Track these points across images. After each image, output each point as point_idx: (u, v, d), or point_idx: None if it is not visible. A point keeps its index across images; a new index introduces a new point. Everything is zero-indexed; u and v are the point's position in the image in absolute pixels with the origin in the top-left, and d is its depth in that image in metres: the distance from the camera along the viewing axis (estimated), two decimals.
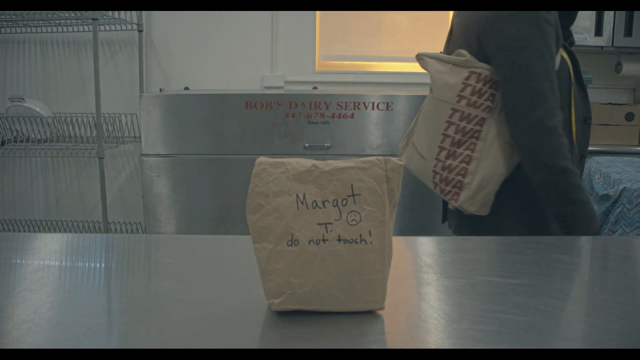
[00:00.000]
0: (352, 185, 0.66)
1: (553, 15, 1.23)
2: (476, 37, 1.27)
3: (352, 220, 0.66)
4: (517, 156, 1.27)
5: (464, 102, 1.26)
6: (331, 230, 0.65)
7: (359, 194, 0.66)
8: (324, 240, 0.65)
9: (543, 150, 1.20)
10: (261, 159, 0.68)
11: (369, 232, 0.66)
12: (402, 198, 2.31)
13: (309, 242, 0.64)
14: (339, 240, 0.65)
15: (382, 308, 0.66)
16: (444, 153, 1.30)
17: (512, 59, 1.21)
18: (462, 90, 1.26)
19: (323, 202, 0.65)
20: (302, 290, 0.65)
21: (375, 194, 0.66)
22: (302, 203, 0.65)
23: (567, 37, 1.37)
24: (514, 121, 1.23)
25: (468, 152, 1.27)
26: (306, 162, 0.67)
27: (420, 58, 1.36)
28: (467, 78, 1.25)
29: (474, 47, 1.27)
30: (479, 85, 1.24)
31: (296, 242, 0.65)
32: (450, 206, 1.35)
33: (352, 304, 0.66)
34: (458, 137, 1.27)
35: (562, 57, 1.27)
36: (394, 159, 0.67)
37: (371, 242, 0.65)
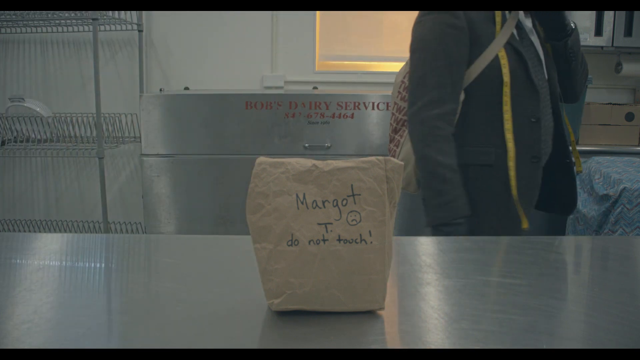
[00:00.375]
0: (352, 185, 0.66)
1: (463, 19, 1.34)
2: None
3: (352, 220, 0.65)
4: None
5: (399, 96, 1.51)
6: (331, 230, 0.65)
7: (359, 194, 0.66)
8: (324, 240, 0.65)
9: (414, 138, 1.37)
10: (261, 159, 0.68)
11: (369, 232, 0.65)
12: (402, 198, 2.30)
13: (309, 242, 0.64)
14: (339, 240, 0.65)
15: (382, 308, 0.66)
16: (389, 139, 1.57)
17: (411, 59, 1.40)
18: (400, 86, 1.51)
19: (323, 202, 0.65)
20: (302, 290, 0.65)
21: (375, 194, 0.66)
22: (302, 203, 0.65)
23: (553, 36, 1.42)
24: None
25: (399, 137, 1.51)
26: (306, 162, 0.67)
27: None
28: (405, 76, 1.48)
29: None
30: (407, 82, 1.43)
31: (296, 242, 0.65)
32: None
33: (352, 304, 0.66)
34: (394, 125, 1.53)
35: (497, 56, 1.34)
36: (394, 159, 0.67)
37: (371, 242, 0.65)
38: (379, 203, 0.66)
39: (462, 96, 1.37)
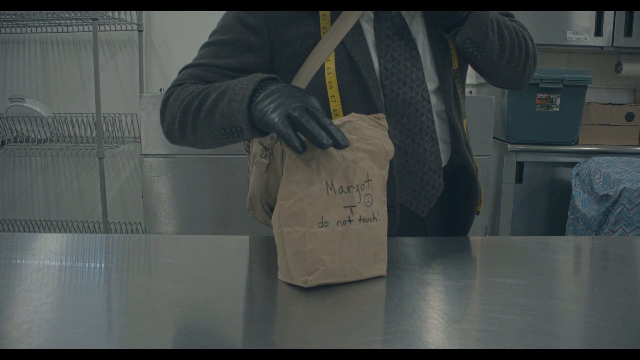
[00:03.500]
0: (367, 172, 0.77)
1: (260, 16, 0.96)
2: None
3: (368, 202, 0.77)
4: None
5: None
6: (355, 212, 0.75)
7: (371, 180, 0.78)
8: (349, 221, 0.75)
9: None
10: (290, 151, 0.73)
11: (377, 211, 0.78)
12: None
13: (337, 223, 0.74)
14: (360, 220, 0.76)
15: (384, 274, 0.79)
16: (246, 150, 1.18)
17: None
18: None
19: (348, 188, 0.75)
20: (333, 266, 0.74)
21: (380, 179, 0.79)
22: (331, 189, 0.74)
23: (440, 25, 0.99)
24: None
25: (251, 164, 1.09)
26: (333, 152, 0.75)
27: None
28: None
29: None
30: None
31: (326, 224, 0.74)
32: None
33: (365, 273, 0.77)
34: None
35: (323, 67, 0.95)
36: (390, 147, 0.80)
37: (379, 219, 0.78)
38: (382, 187, 0.79)
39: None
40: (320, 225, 0.73)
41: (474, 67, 1.06)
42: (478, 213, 1.12)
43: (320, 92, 0.95)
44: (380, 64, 0.96)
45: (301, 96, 0.75)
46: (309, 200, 0.73)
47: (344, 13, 0.94)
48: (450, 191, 1.08)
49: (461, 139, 1.05)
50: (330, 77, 0.95)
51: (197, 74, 0.99)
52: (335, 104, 0.95)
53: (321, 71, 0.95)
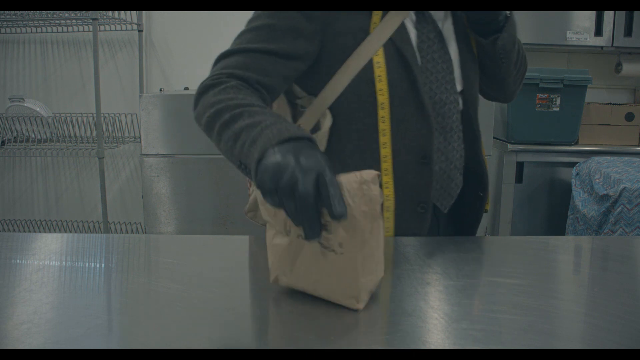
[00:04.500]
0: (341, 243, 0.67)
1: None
2: None
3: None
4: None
5: None
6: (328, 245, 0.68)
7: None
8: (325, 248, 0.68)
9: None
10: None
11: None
12: None
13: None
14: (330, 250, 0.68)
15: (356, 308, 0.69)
16: None
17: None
18: None
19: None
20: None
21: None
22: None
23: (478, 30, 1.04)
24: None
25: None
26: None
27: None
28: None
29: None
30: None
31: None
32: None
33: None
34: None
35: (371, 61, 0.96)
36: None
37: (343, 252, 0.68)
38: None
39: (328, 120, 0.99)
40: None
41: (487, 75, 1.11)
42: (486, 211, 1.14)
43: (367, 85, 0.96)
44: (422, 63, 0.99)
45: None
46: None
47: (393, 11, 0.97)
48: (462, 190, 1.10)
49: (479, 140, 1.09)
50: (380, 71, 0.96)
51: (243, 61, 0.94)
52: (383, 97, 0.96)
53: (369, 65, 0.96)
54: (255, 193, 1.01)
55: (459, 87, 1.04)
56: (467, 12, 1.03)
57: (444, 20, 1.04)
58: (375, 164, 0.98)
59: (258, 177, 0.68)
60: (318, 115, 1.01)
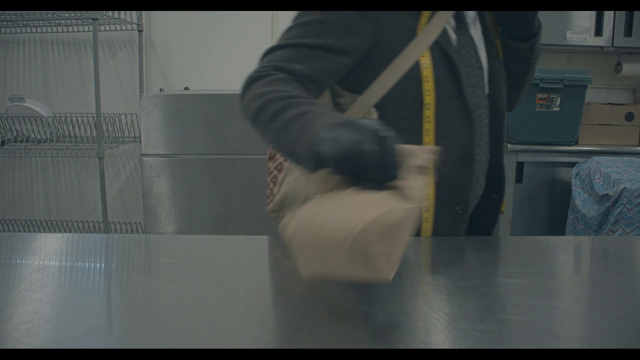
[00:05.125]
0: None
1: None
2: None
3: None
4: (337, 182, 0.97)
5: None
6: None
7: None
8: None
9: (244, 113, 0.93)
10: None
11: None
12: None
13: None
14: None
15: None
16: (268, 154, 1.10)
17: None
18: None
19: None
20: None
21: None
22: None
23: (517, 35, 1.06)
24: None
25: (282, 158, 1.06)
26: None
27: None
28: None
29: None
30: None
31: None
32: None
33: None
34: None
35: (418, 62, 0.97)
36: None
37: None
38: None
39: (374, 118, 1.00)
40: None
41: (509, 82, 1.12)
42: (502, 213, 1.15)
43: (415, 85, 0.97)
44: (462, 67, 1.01)
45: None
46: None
47: (439, 13, 0.97)
48: (483, 192, 1.12)
49: (502, 144, 1.11)
50: (427, 72, 0.97)
51: (290, 55, 0.93)
52: (429, 97, 0.97)
53: (416, 65, 0.97)
54: (291, 181, 1.00)
55: (486, 89, 1.07)
56: (505, 17, 1.05)
57: (474, 27, 1.05)
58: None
59: (319, 148, 0.70)
60: (362, 113, 1.00)
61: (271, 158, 1.08)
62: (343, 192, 0.67)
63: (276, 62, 0.92)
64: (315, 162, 0.71)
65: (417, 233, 0.99)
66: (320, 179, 0.70)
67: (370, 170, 0.66)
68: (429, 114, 0.97)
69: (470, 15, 1.03)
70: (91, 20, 2.50)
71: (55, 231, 3.04)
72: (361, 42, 0.96)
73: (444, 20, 0.98)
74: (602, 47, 2.74)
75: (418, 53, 0.96)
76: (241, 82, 0.94)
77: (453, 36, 1.00)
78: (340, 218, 0.62)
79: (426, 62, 0.96)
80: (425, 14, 0.97)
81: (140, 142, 2.35)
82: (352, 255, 0.60)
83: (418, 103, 0.97)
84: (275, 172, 1.07)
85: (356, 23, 0.95)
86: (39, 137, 2.74)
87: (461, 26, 1.02)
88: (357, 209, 0.62)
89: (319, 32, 0.94)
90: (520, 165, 2.62)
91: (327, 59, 0.94)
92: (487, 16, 1.07)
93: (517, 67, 1.09)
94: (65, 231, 3.04)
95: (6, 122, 2.72)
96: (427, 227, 0.99)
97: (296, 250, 0.65)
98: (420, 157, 0.67)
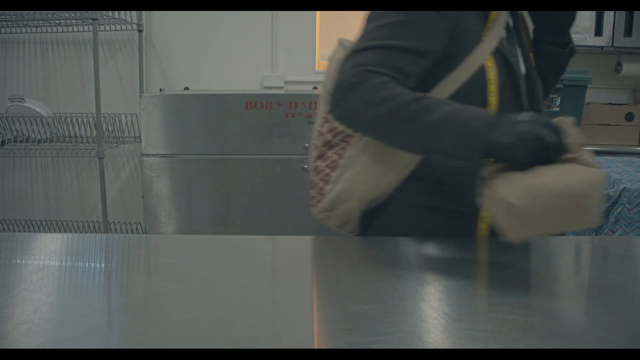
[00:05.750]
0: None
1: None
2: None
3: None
4: (393, 176, 1.02)
5: None
6: None
7: None
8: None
9: (347, 109, 0.94)
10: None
11: None
12: None
13: None
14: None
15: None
16: (315, 153, 1.10)
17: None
18: None
19: None
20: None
21: None
22: None
23: (558, 41, 1.12)
24: None
25: (336, 156, 1.06)
26: None
27: (340, 43, 1.12)
28: None
29: None
30: None
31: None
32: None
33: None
34: (329, 136, 1.07)
35: (483, 66, 0.99)
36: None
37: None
38: None
39: None
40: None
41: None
42: None
43: (480, 87, 0.99)
44: (519, 73, 1.05)
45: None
46: None
47: (500, 19, 1.01)
48: None
49: None
50: (491, 75, 0.99)
51: (379, 58, 0.94)
52: (493, 98, 1.00)
53: (482, 69, 0.99)
54: (348, 178, 1.04)
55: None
56: (543, 19, 1.09)
57: (517, 38, 1.10)
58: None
59: (500, 141, 0.80)
60: None
61: (320, 157, 1.09)
62: (537, 168, 0.78)
63: (367, 66, 0.93)
64: (489, 153, 0.82)
65: (474, 232, 1.01)
66: (487, 167, 0.82)
67: (551, 156, 0.79)
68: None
69: (510, 22, 1.07)
70: (91, 20, 2.50)
71: (55, 231, 3.04)
72: (440, 44, 0.97)
73: (502, 26, 1.01)
74: (602, 47, 2.74)
75: (483, 57, 0.99)
76: (326, 86, 0.96)
77: (505, 42, 1.03)
78: (557, 184, 0.76)
79: (490, 65, 0.99)
80: (491, 18, 1.00)
81: (140, 142, 2.35)
82: (574, 210, 0.76)
83: (482, 105, 0.98)
84: (328, 170, 1.07)
85: (437, 24, 0.96)
86: (39, 137, 2.74)
87: (509, 36, 1.05)
88: (565, 176, 0.76)
89: (403, 34, 0.95)
90: None
91: (413, 62, 0.95)
92: (522, 30, 1.11)
93: (553, 73, 1.15)
94: (65, 231, 3.04)
95: (6, 122, 2.72)
96: (484, 227, 1.01)
97: (519, 216, 0.77)
98: (572, 133, 0.80)
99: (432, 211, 1.02)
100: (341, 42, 1.09)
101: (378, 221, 1.06)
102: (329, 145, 1.08)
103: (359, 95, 0.91)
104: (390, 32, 0.95)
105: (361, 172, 1.03)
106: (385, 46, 0.94)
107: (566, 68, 1.16)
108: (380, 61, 0.93)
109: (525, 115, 0.81)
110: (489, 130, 0.81)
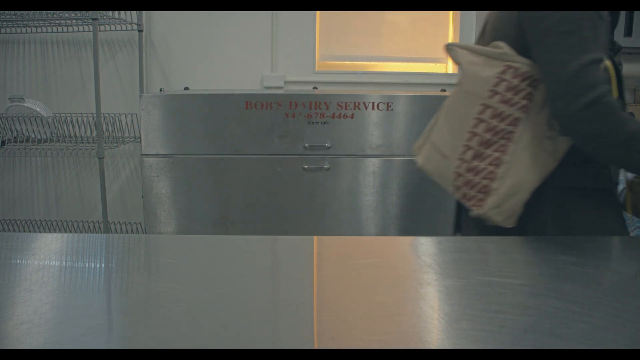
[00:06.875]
0: None
1: (605, 13, 1.11)
2: (516, 22, 1.15)
3: None
4: (551, 164, 1.14)
5: (497, 98, 1.12)
6: None
7: None
8: None
9: (604, 130, 1.03)
10: None
11: None
12: (405, 198, 2.30)
13: None
14: None
15: None
16: (470, 153, 1.15)
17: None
18: (496, 85, 1.12)
19: None
20: None
21: None
22: None
23: (612, 44, 1.22)
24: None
25: (498, 153, 1.13)
26: None
27: (450, 48, 1.22)
28: (503, 72, 1.12)
29: (513, 36, 1.16)
30: (516, 81, 1.11)
31: None
32: (471, 214, 1.18)
33: None
34: (488, 136, 1.13)
35: (605, 67, 1.09)
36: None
37: None
38: None
39: None
40: None
41: None
42: None
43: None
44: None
45: None
46: None
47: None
48: None
49: None
50: (612, 73, 1.16)
51: (600, 74, 1.05)
52: (615, 93, 1.14)
53: (605, 68, 1.11)
54: (517, 172, 1.13)
55: None
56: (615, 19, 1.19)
57: None
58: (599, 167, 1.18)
59: None
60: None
61: (477, 156, 1.15)
62: None
63: (602, 84, 1.04)
64: None
65: (614, 207, 1.22)
66: None
67: None
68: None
69: None
70: (91, 20, 2.50)
71: (55, 231, 3.04)
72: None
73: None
74: None
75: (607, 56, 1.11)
76: (579, 86, 1.03)
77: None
78: None
79: (610, 66, 1.13)
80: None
81: (140, 142, 2.35)
82: None
83: None
84: (491, 167, 1.14)
85: (601, 28, 1.07)
86: (39, 137, 2.74)
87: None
88: None
89: (597, 45, 1.07)
90: None
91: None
92: None
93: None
94: (65, 231, 3.04)
95: (6, 122, 2.72)
96: (627, 203, 1.18)
97: None
98: None
99: (580, 191, 1.15)
100: (470, 48, 1.20)
101: (531, 210, 1.15)
102: (487, 144, 1.13)
103: (605, 114, 1.03)
104: (595, 43, 1.06)
105: (529, 165, 1.12)
106: (597, 60, 1.05)
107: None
108: (602, 78, 1.05)
109: None
110: None
